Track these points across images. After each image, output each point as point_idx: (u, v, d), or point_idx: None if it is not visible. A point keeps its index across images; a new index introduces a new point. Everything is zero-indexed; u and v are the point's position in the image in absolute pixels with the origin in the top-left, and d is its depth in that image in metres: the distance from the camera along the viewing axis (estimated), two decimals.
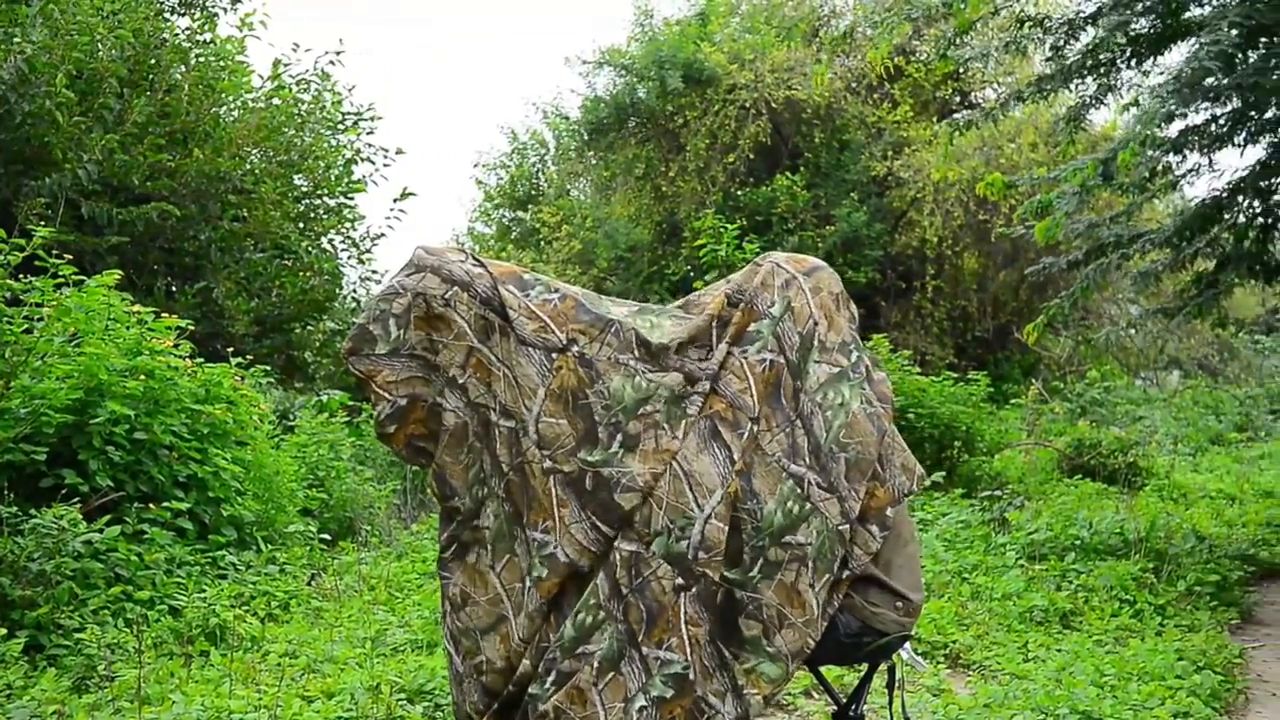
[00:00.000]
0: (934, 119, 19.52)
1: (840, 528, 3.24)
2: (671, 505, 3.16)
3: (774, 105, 18.61)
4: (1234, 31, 6.51)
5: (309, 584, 7.18)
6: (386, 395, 3.33)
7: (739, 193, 18.63)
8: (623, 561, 3.15)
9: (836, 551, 3.24)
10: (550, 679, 3.16)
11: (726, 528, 3.16)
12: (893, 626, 3.45)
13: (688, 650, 3.14)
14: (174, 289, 12.08)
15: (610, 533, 3.19)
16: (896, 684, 3.70)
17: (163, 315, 8.07)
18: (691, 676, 3.14)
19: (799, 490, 3.22)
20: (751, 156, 18.80)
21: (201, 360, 8.01)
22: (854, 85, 19.54)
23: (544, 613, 3.22)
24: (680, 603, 3.13)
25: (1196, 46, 6.80)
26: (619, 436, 3.21)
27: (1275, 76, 7.21)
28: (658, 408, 3.23)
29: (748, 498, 3.20)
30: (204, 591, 6.39)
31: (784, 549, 3.19)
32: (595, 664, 3.13)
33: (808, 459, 3.25)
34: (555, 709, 3.13)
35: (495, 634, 3.28)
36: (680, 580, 3.13)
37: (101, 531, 6.23)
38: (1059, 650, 6.06)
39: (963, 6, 7.66)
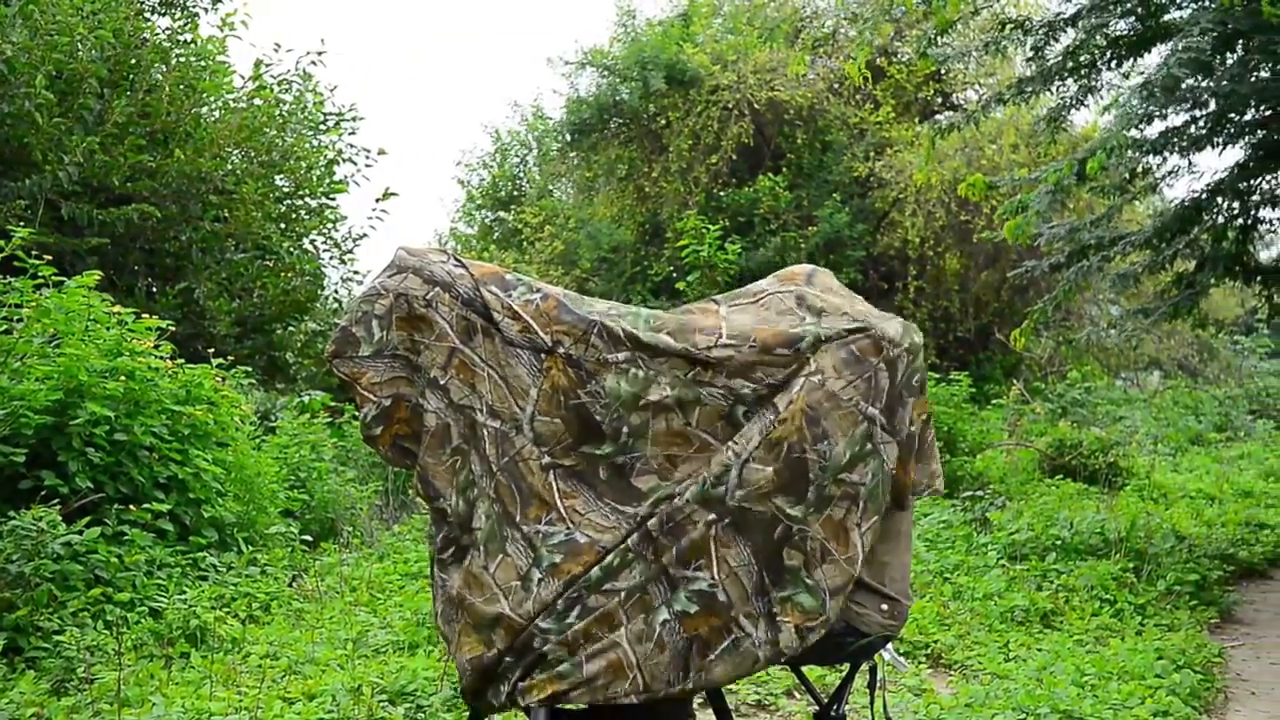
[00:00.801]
0: (916, 120, 19.59)
1: (892, 471, 3.26)
2: (711, 464, 3.18)
3: (756, 106, 18.63)
4: (1209, 37, 6.54)
5: (290, 585, 7.17)
6: (371, 397, 3.33)
7: (721, 193, 18.65)
8: (656, 517, 3.17)
9: (887, 496, 3.26)
10: (574, 613, 3.16)
11: (770, 469, 3.15)
12: (877, 629, 3.45)
13: (715, 569, 3.14)
14: (155, 290, 12.04)
15: (632, 510, 3.20)
16: (878, 684, 3.71)
17: (143, 316, 8.04)
18: (721, 597, 3.14)
19: (869, 430, 3.23)
20: (734, 157, 18.82)
21: (182, 361, 7.99)
22: (836, 86, 19.57)
23: (558, 593, 3.23)
24: (711, 533, 3.15)
25: (1170, 52, 6.83)
26: (624, 428, 3.22)
27: (1252, 80, 7.26)
28: (665, 394, 3.22)
29: (818, 440, 3.19)
30: (184, 593, 6.37)
31: (839, 485, 3.20)
32: (623, 594, 3.14)
33: (883, 400, 3.25)
34: (584, 633, 3.15)
35: (494, 629, 3.26)
36: (712, 515, 3.14)
37: (81, 533, 6.21)
38: (1040, 650, 6.08)
39: (942, 5, 7.68)
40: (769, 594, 3.19)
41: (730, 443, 3.19)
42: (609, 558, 3.18)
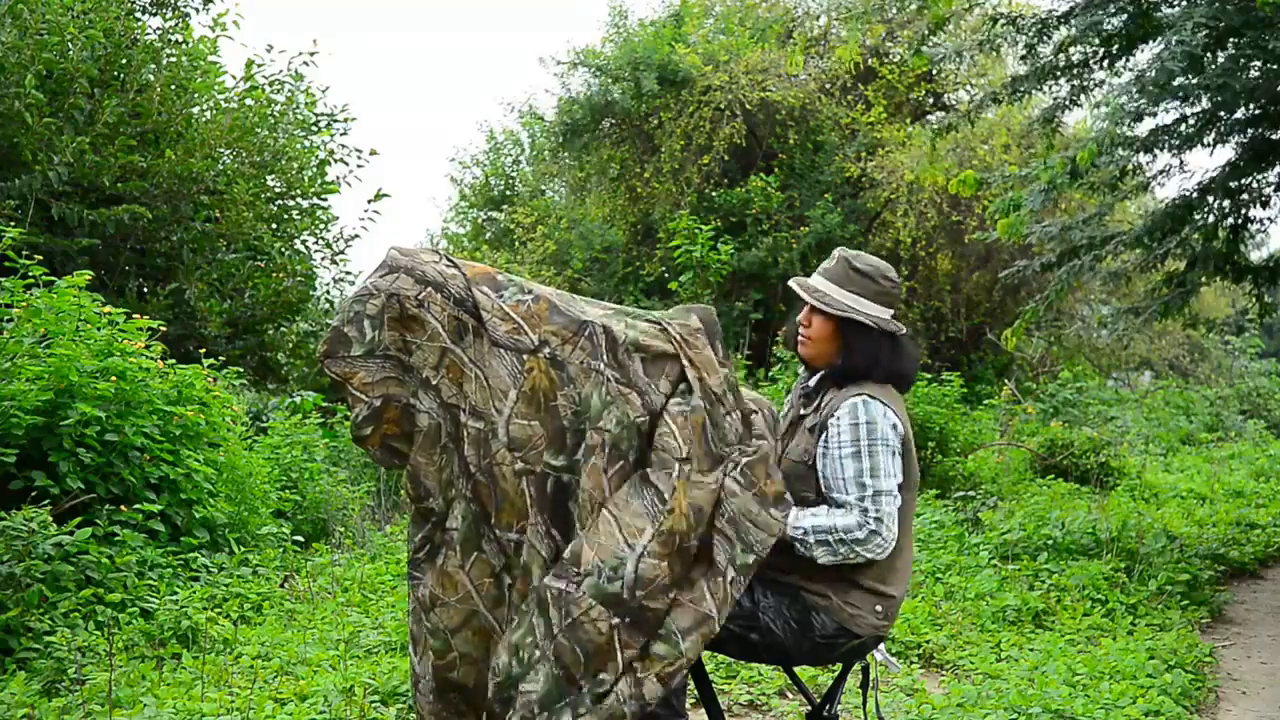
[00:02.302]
0: (907, 120, 19.60)
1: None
2: (602, 545, 3.16)
3: (748, 106, 18.64)
4: (1202, 33, 6.55)
5: (282, 586, 7.15)
6: (363, 397, 3.32)
7: (713, 194, 18.65)
8: (554, 600, 3.15)
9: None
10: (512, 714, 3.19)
11: (664, 564, 3.15)
12: (870, 630, 3.46)
13: (628, 685, 3.13)
14: (145, 290, 12.01)
15: (560, 539, 3.20)
16: (870, 684, 3.72)
17: (134, 316, 8.02)
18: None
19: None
20: (726, 157, 18.82)
21: (173, 362, 7.97)
22: (828, 86, 19.58)
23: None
24: (615, 638, 3.13)
25: (1163, 47, 6.83)
26: (582, 445, 3.22)
27: (1244, 77, 7.26)
28: (609, 426, 3.23)
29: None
30: (176, 594, 6.35)
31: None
32: (535, 706, 3.13)
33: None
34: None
35: (467, 629, 3.29)
36: (615, 620, 3.12)
37: (72, 534, 6.19)
38: (1031, 650, 6.09)
39: (935, 1, 7.67)
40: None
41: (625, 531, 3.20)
42: (523, 653, 3.21)
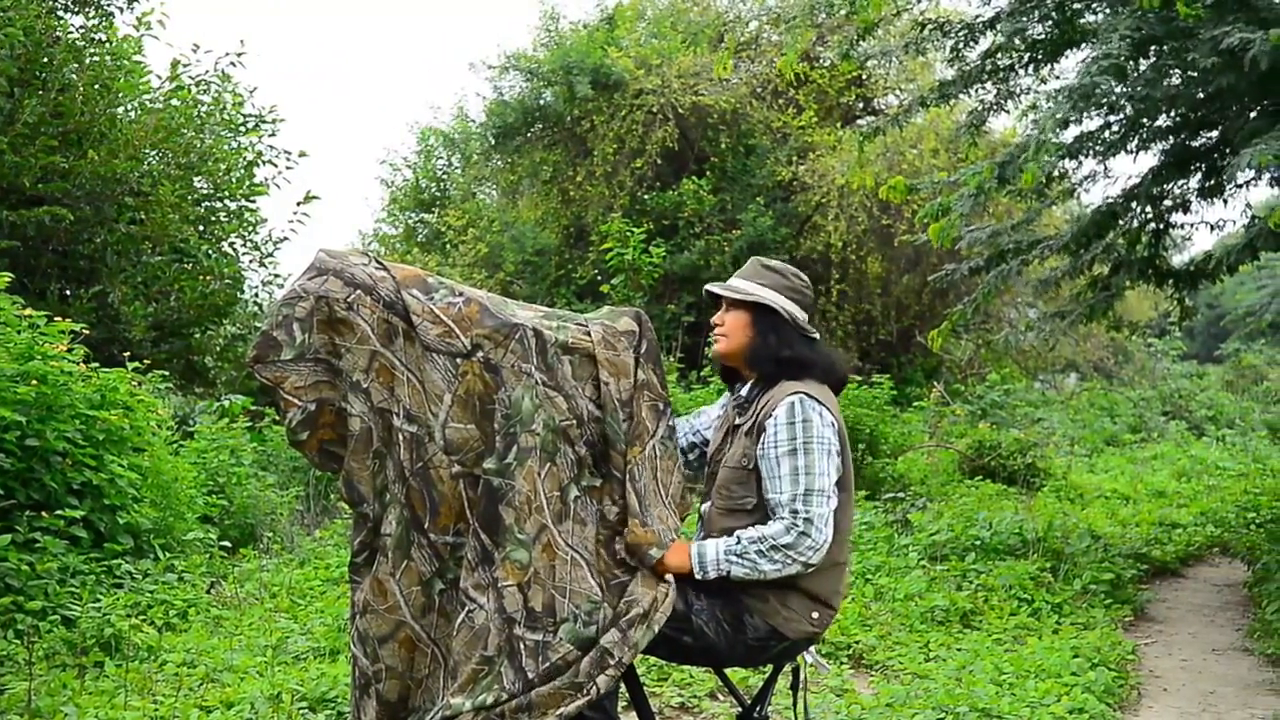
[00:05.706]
0: (838, 125, 19.74)
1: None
2: (575, 592, 3.22)
3: (680, 110, 18.69)
4: (1125, 42, 6.64)
5: (208, 592, 7.06)
6: (296, 401, 3.28)
7: (646, 197, 18.67)
8: (529, 651, 3.18)
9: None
10: None
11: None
12: (802, 635, 3.48)
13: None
14: (68, 293, 11.80)
15: (488, 543, 3.18)
16: (801, 685, 3.73)
17: (56, 320, 7.87)
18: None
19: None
20: (658, 161, 18.85)
21: (97, 365, 7.83)
22: (759, 90, 19.68)
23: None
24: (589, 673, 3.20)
25: (1090, 61, 6.92)
26: (514, 449, 3.21)
27: (1165, 85, 7.38)
28: (538, 429, 3.23)
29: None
30: (99, 601, 6.24)
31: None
32: None
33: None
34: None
35: (394, 640, 3.26)
36: (588, 658, 3.18)
37: None
38: (959, 649, 6.15)
39: (865, 5, 7.73)
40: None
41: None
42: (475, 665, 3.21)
